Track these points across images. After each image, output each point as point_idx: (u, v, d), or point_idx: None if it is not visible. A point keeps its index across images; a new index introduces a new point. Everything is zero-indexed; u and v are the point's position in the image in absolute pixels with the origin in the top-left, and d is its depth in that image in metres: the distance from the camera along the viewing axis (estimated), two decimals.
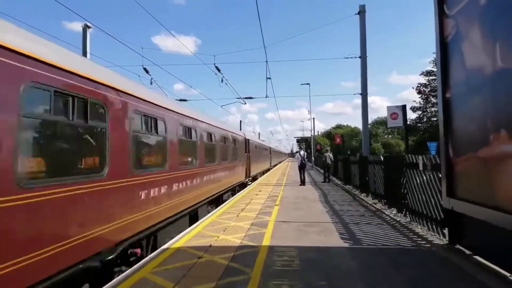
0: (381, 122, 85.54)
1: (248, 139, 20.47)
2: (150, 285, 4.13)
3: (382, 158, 10.71)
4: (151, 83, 15.90)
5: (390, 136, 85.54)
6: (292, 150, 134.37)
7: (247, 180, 19.36)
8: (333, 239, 6.19)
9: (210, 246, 5.81)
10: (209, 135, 10.84)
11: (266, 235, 6.46)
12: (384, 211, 9.15)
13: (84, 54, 14.50)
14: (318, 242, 5.96)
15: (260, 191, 14.78)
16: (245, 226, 7.37)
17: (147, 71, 15.81)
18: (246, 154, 19.25)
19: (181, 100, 19.77)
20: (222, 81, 18.62)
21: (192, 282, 4.13)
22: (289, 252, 5.35)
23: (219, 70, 18.14)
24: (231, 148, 14.54)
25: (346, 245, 5.83)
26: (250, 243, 5.92)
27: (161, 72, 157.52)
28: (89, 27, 14.86)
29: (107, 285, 4.16)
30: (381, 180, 10.34)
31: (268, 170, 34.73)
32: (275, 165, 47.74)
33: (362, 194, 12.75)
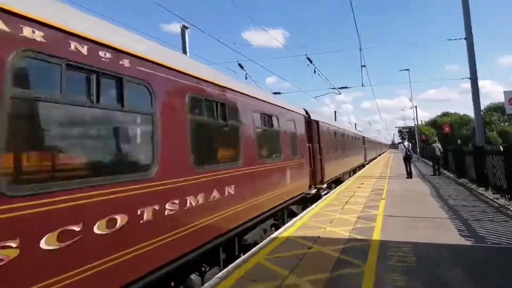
0: (495, 109, 73.92)
1: (316, 121, 12.55)
2: (266, 270, 4.41)
3: (501, 148, 9.43)
4: (246, 78, 16.03)
5: (506, 123, 73.44)
6: (393, 141, 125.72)
7: (314, 190, 11.34)
8: (451, 236, 5.69)
9: (318, 237, 5.89)
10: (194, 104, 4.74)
11: (376, 229, 6.26)
12: (509, 207, 8.03)
13: (184, 54, 15.38)
14: (434, 239, 5.54)
15: (362, 183, 14.30)
16: (351, 219, 7.25)
17: (241, 67, 15.92)
18: (309, 145, 11.43)
19: (275, 93, 19.85)
20: (314, 72, 18.35)
21: (306, 271, 4.27)
22: (402, 247, 5.11)
23: (311, 61, 17.73)
24: (261, 135, 7.23)
25: (468, 243, 5.31)
26: (359, 237, 5.82)
27: (254, 67, 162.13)
28: (186, 28, 14.91)
29: (232, 264, 4.61)
30: (503, 172, 9.10)
31: (362, 166, 26.95)
32: (372, 159, 37.68)
33: (480, 188, 11.36)
